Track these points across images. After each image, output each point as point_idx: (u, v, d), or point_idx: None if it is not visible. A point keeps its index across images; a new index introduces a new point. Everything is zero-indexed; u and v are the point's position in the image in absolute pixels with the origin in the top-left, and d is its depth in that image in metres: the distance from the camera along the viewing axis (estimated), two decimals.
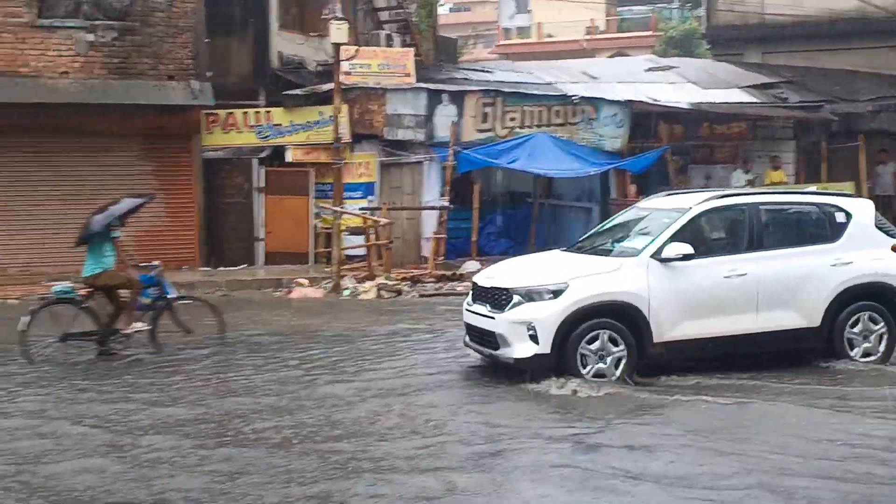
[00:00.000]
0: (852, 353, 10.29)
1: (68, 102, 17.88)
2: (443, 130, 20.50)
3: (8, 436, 8.16)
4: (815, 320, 10.21)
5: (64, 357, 11.38)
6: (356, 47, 20.32)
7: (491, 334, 9.85)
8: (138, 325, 11.65)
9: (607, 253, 10.39)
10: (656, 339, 9.68)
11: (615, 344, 9.56)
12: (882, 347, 10.38)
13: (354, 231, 19.34)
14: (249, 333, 13.01)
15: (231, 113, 19.86)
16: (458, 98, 20.70)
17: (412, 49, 21.88)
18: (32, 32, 17.89)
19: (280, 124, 20.05)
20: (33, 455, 7.57)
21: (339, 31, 18.48)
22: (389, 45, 21.65)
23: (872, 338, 10.36)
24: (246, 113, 20.03)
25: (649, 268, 9.74)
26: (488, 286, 10.14)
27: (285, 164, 20.16)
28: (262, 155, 20.28)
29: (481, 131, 20.82)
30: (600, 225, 12.07)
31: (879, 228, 10.74)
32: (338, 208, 18.89)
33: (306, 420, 8.46)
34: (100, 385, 10.11)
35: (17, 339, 11.20)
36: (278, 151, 20.21)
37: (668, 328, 9.72)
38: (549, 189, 22.97)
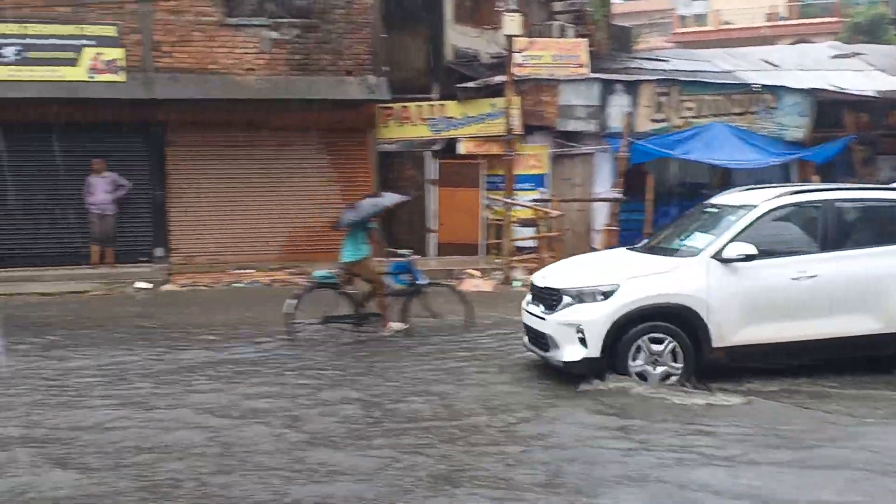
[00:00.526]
0: None
1: (253, 98, 18.65)
2: (616, 121, 20.27)
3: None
4: (894, 325, 9.52)
5: (324, 338, 11.94)
6: (529, 39, 20.32)
7: (543, 335, 9.58)
8: (396, 327, 12.24)
9: (672, 252, 9.90)
10: (716, 343, 9.20)
11: (670, 348, 9.14)
12: None
13: (525, 223, 19.38)
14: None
15: (405, 106, 20.26)
16: (632, 88, 20.42)
17: (586, 39, 21.69)
18: (221, 31, 18.75)
19: (453, 117, 20.31)
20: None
21: (512, 23, 18.55)
22: (563, 36, 21.54)
23: None
24: (420, 106, 20.39)
25: (709, 268, 9.28)
26: (542, 286, 9.87)
27: (457, 156, 20.41)
28: (435, 147, 20.61)
29: (656, 121, 20.47)
30: (673, 222, 11.54)
31: None
32: (508, 200, 18.98)
33: None
34: (356, 366, 10.51)
35: (283, 321, 11.91)
36: (451, 144, 20.47)
37: (728, 332, 9.22)
38: (726, 181, 22.31)
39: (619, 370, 9.08)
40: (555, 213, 18.61)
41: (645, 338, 9.09)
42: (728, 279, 9.25)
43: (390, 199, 12.78)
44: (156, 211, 19.06)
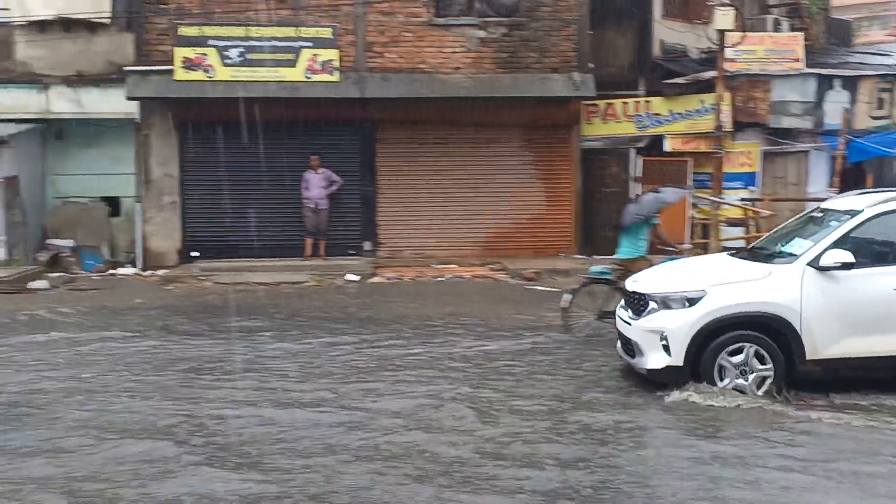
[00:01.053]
0: None
1: (459, 96, 18.96)
2: (832, 118, 19.39)
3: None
4: None
5: (599, 333, 11.87)
6: (742, 33, 19.70)
7: (630, 341, 9.28)
8: None
9: (771, 259, 9.33)
10: (810, 355, 8.66)
11: (760, 359, 8.67)
12: None
13: (733, 222, 18.83)
14: None
15: (610, 103, 20.08)
16: (851, 83, 19.48)
17: (801, 33, 20.84)
18: (430, 31, 19.18)
19: (659, 113, 19.97)
20: None
21: (724, 18, 18.04)
22: (777, 30, 20.79)
23: None
24: (626, 103, 20.16)
25: (804, 276, 8.73)
26: (632, 290, 9.55)
27: (663, 153, 20.05)
28: (640, 144, 20.32)
29: (876, 118, 19.44)
30: (781, 227, 10.74)
31: None
32: (716, 199, 18.48)
33: None
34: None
35: (560, 315, 12.07)
36: (656, 141, 20.13)
37: (824, 344, 8.66)
38: None
39: (705, 380, 8.71)
40: (765, 212, 17.97)
41: (729, 348, 8.69)
42: (825, 288, 8.73)
43: (672, 194, 12.49)
44: (365, 206, 19.70)
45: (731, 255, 10.27)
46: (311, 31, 18.74)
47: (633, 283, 9.68)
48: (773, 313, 8.67)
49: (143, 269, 18.93)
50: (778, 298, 8.69)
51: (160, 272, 18.49)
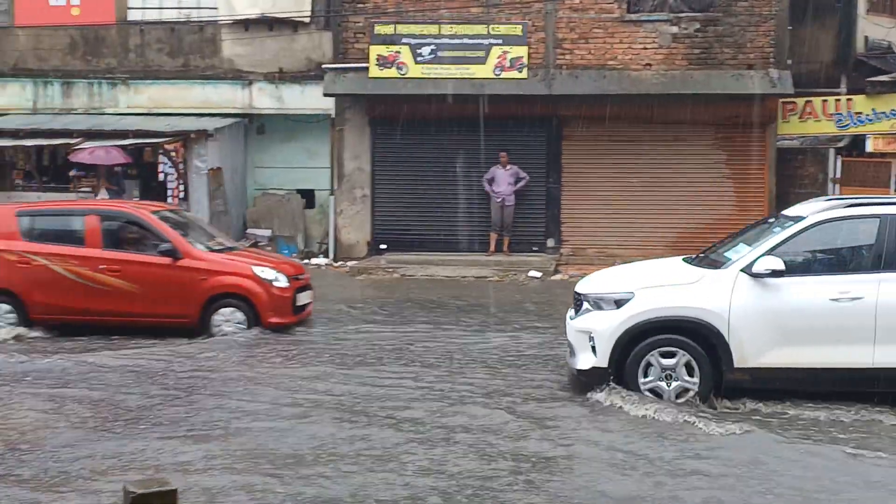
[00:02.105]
0: None
1: (649, 93, 18.71)
2: None
3: None
4: None
5: None
6: None
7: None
8: None
9: (716, 264, 8.92)
10: (738, 363, 8.34)
11: (685, 364, 8.44)
12: None
13: None
14: None
15: (809, 101, 19.33)
16: None
17: None
18: (621, 27, 19.00)
19: (861, 112, 19.07)
20: None
21: None
22: None
23: None
24: (825, 101, 19.36)
25: (736, 283, 8.41)
26: (575, 290, 9.45)
27: (864, 154, 19.15)
28: (840, 144, 19.48)
29: None
30: (739, 232, 10.09)
31: None
32: None
33: None
34: None
35: None
36: (857, 141, 19.25)
37: (753, 353, 8.33)
38: None
39: (628, 383, 8.54)
40: None
41: (656, 352, 8.48)
42: (758, 296, 8.39)
43: None
44: (550, 203, 19.73)
45: (684, 259, 9.82)
46: (502, 29, 18.91)
47: (581, 284, 9.58)
48: (699, 318, 8.44)
49: (335, 260, 19.63)
50: (705, 303, 8.45)
51: (350, 263, 19.12)
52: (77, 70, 20.41)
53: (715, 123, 19.35)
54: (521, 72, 18.87)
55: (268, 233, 19.94)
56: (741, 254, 8.78)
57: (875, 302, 8.35)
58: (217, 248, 12.70)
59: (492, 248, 19.38)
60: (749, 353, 8.40)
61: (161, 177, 19.94)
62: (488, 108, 19.01)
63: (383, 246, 19.79)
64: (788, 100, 19.16)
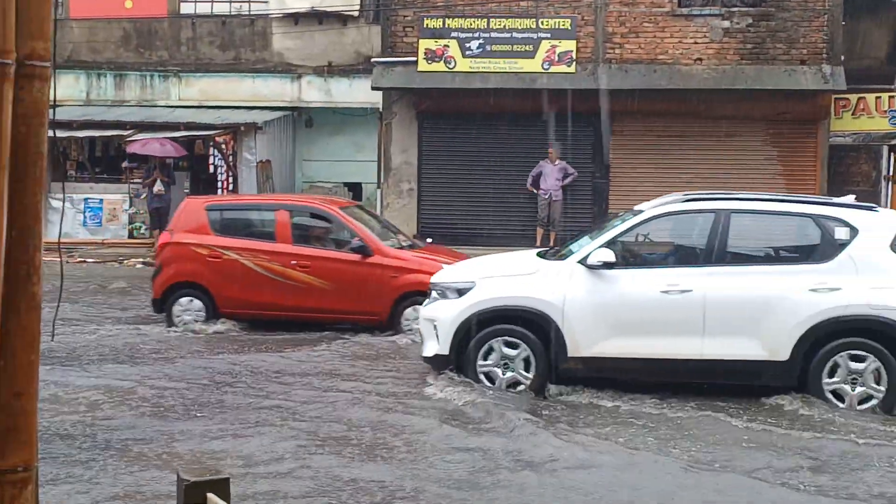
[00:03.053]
0: (844, 403, 8.17)
1: (700, 88, 18.54)
2: None
3: None
4: (782, 354, 8.30)
5: None
6: None
7: None
8: None
9: (565, 257, 9.05)
10: (571, 352, 8.55)
11: (522, 353, 8.62)
12: (881, 394, 8.13)
13: None
14: None
15: (862, 97, 19.07)
16: None
17: None
18: (672, 21, 18.84)
19: None
20: None
21: None
22: None
23: (867, 382, 8.18)
24: (879, 97, 19.09)
25: (573, 274, 8.62)
26: (430, 280, 9.73)
27: None
28: (894, 142, 19.18)
29: None
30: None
31: None
32: None
33: None
34: None
35: None
36: None
37: (586, 342, 8.54)
38: None
39: (466, 371, 8.74)
40: None
41: (500, 340, 8.67)
42: (591, 287, 8.58)
43: None
44: (597, 198, 19.63)
45: (538, 252, 9.94)
46: (551, 23, 18.85)
47: (436, 274, 9.83)
48: (535, 308, 8.58)
49: None
50: (540, 294, 8.59)
51: None
52: (130, 62, 20.70)
53: (766, 119, 19.13)
54: (569, 66, 18.80)
55: None
56: (582, 246, 9.00)
57: (703, 295, 8.45)
58: (404, 244, 12.64)
59: (538, 242, 19.34)
60: (582, 342, 8.56)
61: (211, 169, 20.16)
62: (536, 102, 18.95)
63: (429, 240, 19.81)
64: (841, 96, 18.90)
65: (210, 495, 3.31)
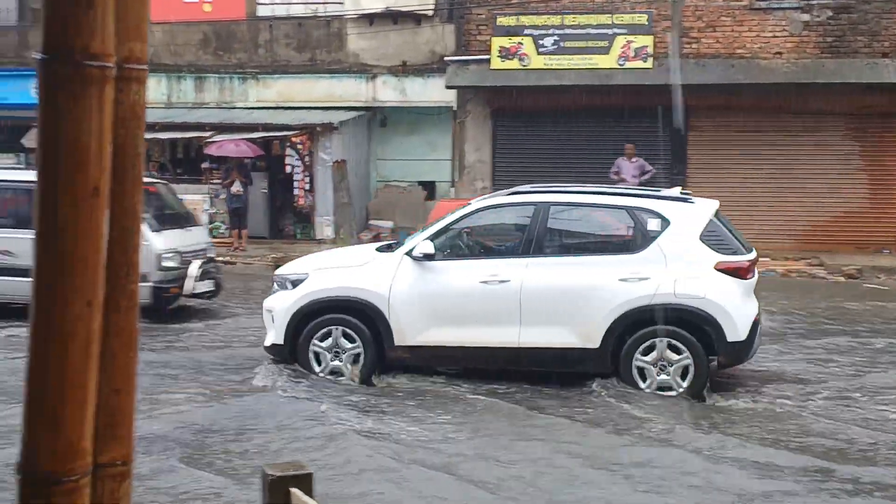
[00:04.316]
0: (644, 385, 8.43)
1: (779, 83, 18.20)
2: None
3: None
4: (594, 341, 8.58)
5: None
6: None
7: None
8: None
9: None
10: (398, 341, 8.82)
11: (351, 342, 8.92)
12: (686, 382, 8.38)
13: None
14: None
15: None
16: None
17: None
18: (750, 15, 18.54)
19: None
20: None
21: None
22: None
23: (672, 370, 8.41)
24: None
25: (400, 265, 8.88)
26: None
27: None
28: None
29: None
30: None
31: (709, 241, 8.64)
32: None
33: None
34: None
35: None
36: None
37: (411, 331, 8.81)
38: None
39: (300, 361, 9.02)
40: None
41: (339, 329, 8.92)
42: (417, 278, 8.85)
43: None
44: None
45: (378, 247, 10.07)
46: (627, 18, 18.68)
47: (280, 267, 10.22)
48: (362, 298, 8.86)
49: None
50: (367, 285, 8.87)
51: None
52: (209, 65, 21.06)
53: (847, 113, 18.71)
54: (645, 61, 18.61)
55: (390, 224, 20.19)
56: (413, 238, 9.32)
57: (520, 285, 8.70)
58: None
59: None
60: (408, 331, 8.82)
61: (288, 169, 20.40)
62: (611, 98, 18.82)
63: None
64: None
65: (293, 490, 3.36)
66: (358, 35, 20.35)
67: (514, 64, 19.02)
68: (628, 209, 8.93)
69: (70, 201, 1.40)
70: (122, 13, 1.43)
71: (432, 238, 8.98)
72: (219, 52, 21.03)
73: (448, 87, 19.45)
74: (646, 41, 18.58)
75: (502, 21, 19.07)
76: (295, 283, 9.20)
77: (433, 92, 19.95)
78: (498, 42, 19.03)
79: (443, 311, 8.85)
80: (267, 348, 9.34)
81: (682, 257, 8.58)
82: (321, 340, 9.01)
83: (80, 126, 1.39)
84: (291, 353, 9.13)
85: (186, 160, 20.80)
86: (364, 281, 8.98)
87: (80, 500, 1.46)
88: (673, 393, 8.40)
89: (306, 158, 19.99)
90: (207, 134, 19.32)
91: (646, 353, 8.51)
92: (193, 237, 13.00)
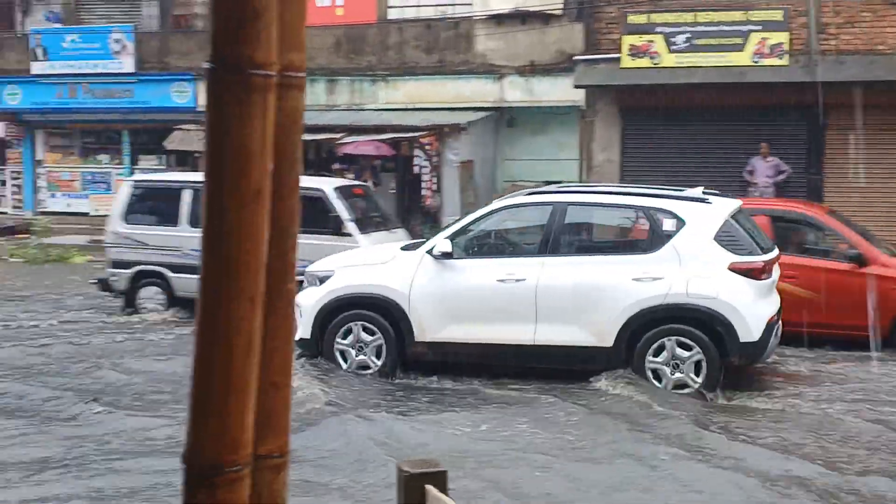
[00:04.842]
0: (660, 386, 8.59)
1: None
2: None
3: None
4: (607, 340, 8.79)
5: None
6: None
7: None
8: None
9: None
10: (418, 337, 9.14)
11: (371, 334, 9.23)
12: (700, 378, 8.54)
13: None
14: None
15: None
16: None
17: None
18: (891, 10, 17.84)
19: None
20: None
21: None
22: None
23: (685, 367, 8.60)
24: None
25: (421, 263, 9.16)
26: None
27: None
28: None
29: None
30: None
31: (724, 242, 8.71)
32: None
33: None
34: None
35: None
36: None
37: (431, 328, 9.10)
38: None
39: (325, 355, 9.41)
40: None
41: (359, 324, 9.25)
42: (437, 276, 9.08)
43: None
44: (811, 195, 18.77)
45: (403, 245, 10.36)
46: (762, 14, 18.20)
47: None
48: (384, 296, 9.17)
49: None
50: (390, 282, 9.18)
51: None
52: (340, 68, 21.47)
53: None
54: (781, 59, 18.10)
55: None
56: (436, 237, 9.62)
57: (536, 283, 8.91)
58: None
59: None
60: (427, 328, 9.13)
61: (415, 170, 20.63)
62: (746, 96, 18.37)
63: None
64: None
65: (428, 487, 3.42)
66: (486, 36, 20.42)
67: (644, 62, 18.77)
68: (644, 209, 9.10)
69: (235, 204, 1.47)
70: (284, 24, 1.50)
71: (451, 237, 9.26)
72: (350, 55, 21.42)
73: (576, 87, 19.32)
74: (781, 38, 18.06)
75: (633, 19, 18.84)
76: (322, 280, 9.63)
77: (561, 91, 19.86)
78: (628, 40, 18.82)
79: (461, 308, 9.14)
80: (297, 342, 9.53)
81: (697, 257, 8.70)
82: (343, 338, 9.46)
83: (244, 132, 1.47)
84: (318, 347, 9.58)
85: (318, 161, 21.27)
86: (386, 278, 9.32)
87: (242, 490, 1.53)
88: (689, 390, 8.58)
89: (434, 159, 20.18)
90: (338, 135, 19.70)
91: (656, 353, 8.67)
92: (397, 238, 13.24)
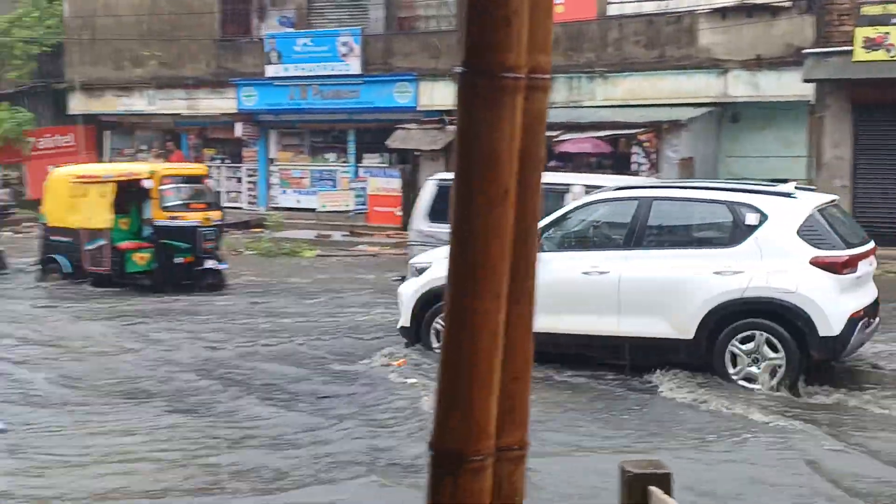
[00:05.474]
0: (733, 371, 8.62)
1: None
2: None
3: None
4: (688, 332, 8.79)
5: None
6: None
7: None
8: None
9: None
10: None
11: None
12: (774, 380, 8.45)
13: None
14: None
15: None
16: None
17: None
18: None
19: None
20: None
21: None
22: None
23: (763, 365, 8.52)
24: None
25: None
26: None
27: None
28: None
29: None
30: None
31: (807, 236, 8.57)
32: None
33: None
34: None
35: None
36: None
37: None
38: None
39: (422, 342, 9.80)
40: None
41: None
42: None
43: None
44: None
45: None
46: None
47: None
48: None
49: None
50: None
51: None
52: (559, 65, 21.46)
53: None
54: None
55: None
56: None
57: (619, 276, 9.04)
58: None
59: None
60: None
61: (633, 167, 20.37)
62: None
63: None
64: None
65: (652, 488, 3.38)
66: (710, 30, 19.89)
67: (880, 55, 17.72)
68: (728, 204, 9.09)
69: (484, 203, 1.52)
70: (532, 28, 1.54)
71: (541, 231, 9.29)
72: (569, 52, 21.38)
73: (806, 81, 18.49)
74: None
75: (867, 10, 17.82)
76: (421, 272, 10.01)
77: (788, 86, 19.07)
78: (862, 32, 17.82)
79: (549, 299, 9.03)
80: (399, 329, 10.29)
81: (778, 252, 8.68)
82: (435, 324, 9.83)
83: (494, 133, 1.51)
84: (416, 334, 9.97)
85: None
86: None
87: (484, 479, 1.58)
88: (757, 386, 8.55)
89: (652, 156, 19.85)
90: (556, 133, 19.73)
91: (744, 342, 8.66)
92: None
